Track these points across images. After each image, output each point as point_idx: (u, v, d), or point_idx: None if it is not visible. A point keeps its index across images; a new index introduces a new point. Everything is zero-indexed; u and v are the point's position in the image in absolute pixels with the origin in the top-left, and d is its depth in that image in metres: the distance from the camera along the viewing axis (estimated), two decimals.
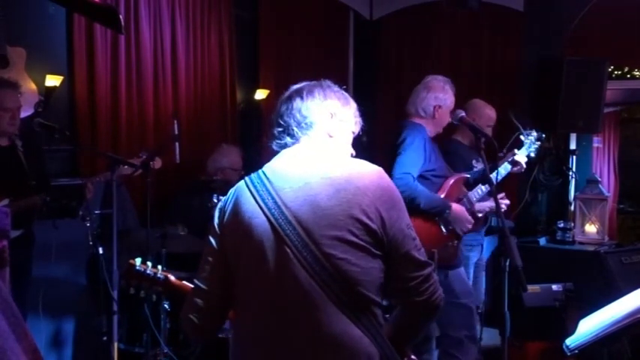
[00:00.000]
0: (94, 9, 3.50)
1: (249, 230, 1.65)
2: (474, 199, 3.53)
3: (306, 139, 1.75)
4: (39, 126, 3.48)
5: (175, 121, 3.76)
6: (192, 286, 1.97)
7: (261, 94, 5.32)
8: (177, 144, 3.75)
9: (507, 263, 2.42)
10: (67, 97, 4.01)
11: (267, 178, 1.69)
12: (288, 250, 1.60)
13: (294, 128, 1.74)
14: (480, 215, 3.58)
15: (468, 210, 3.47)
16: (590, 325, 2.55)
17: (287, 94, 1.80)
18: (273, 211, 1.63)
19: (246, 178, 1.74)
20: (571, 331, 2.63)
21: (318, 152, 1.74)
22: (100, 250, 3.43)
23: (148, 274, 1.97)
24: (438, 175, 3.49)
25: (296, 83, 1.84)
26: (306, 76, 1.89)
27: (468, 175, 3.63)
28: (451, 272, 3.42)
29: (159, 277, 1.98)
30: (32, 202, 3.33)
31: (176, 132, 3.73)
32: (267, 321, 1.64)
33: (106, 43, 4.14)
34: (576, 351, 2.55)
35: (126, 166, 3.59)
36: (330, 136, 1.77)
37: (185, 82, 4.63)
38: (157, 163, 3.77)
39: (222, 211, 1.74)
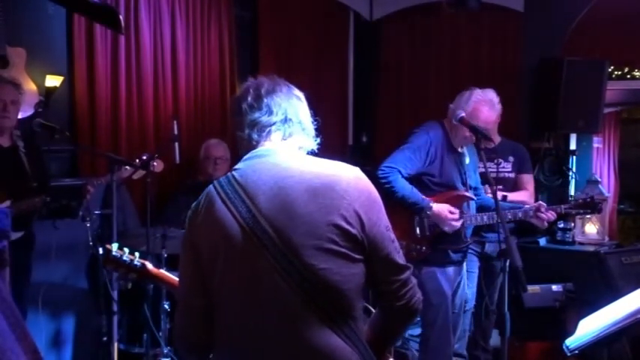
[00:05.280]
0: (94, 9, 3.51)
1: (223, 241, 1.55)
2: (468, 223, 3.30)
3: (275, 139, 1.66)
4: (39, 126, 3.48)
5: (175, 122, 3.76)
6: (170, 275, 1.98)
7: None
8: (176, 144, 3.75)
9: (507, 263, 2.43)
10: (67, 97, 4.01)
11: (239, 183, 1.58)
12: (266, 262, 1.51)
13: (264, 127, 1.65)
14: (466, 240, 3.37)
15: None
16: (591, 326, 2.55)
17: (250, 91, 1.67)
18: (248, 220, 1.53)
19: (216, 184, 1.63)
20: (571, 331, 2.62)
21: (290, 153, 1.65)
22: (100, 251, 3.43)
23: (124, 261, 1.95)
24: (440, 183, 3.27)
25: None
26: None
27: (474, 198, 3.37)
28: (425, 269, 3.25)
29: (135, 265, 1.96)
30: (33, 203, 3.33)
31: (176, 132, 3.73)
32: (246, 333, 1.56)
33: (106, 43, 4.14)
34: (576, 351, 2.54)
35: (126, 167, 3.59)
36: (298, 135, 1.69)
37: (185, 82, 4.63)
38: (159, 167, 3.76)
39: (194, 221, 1.63)
